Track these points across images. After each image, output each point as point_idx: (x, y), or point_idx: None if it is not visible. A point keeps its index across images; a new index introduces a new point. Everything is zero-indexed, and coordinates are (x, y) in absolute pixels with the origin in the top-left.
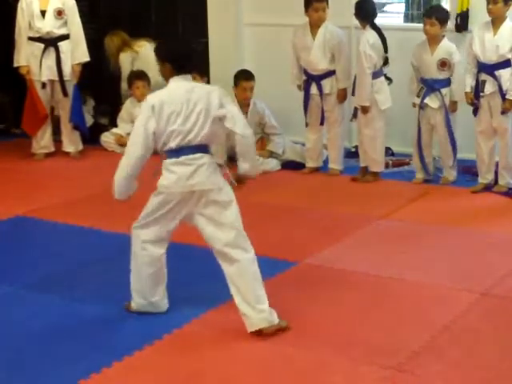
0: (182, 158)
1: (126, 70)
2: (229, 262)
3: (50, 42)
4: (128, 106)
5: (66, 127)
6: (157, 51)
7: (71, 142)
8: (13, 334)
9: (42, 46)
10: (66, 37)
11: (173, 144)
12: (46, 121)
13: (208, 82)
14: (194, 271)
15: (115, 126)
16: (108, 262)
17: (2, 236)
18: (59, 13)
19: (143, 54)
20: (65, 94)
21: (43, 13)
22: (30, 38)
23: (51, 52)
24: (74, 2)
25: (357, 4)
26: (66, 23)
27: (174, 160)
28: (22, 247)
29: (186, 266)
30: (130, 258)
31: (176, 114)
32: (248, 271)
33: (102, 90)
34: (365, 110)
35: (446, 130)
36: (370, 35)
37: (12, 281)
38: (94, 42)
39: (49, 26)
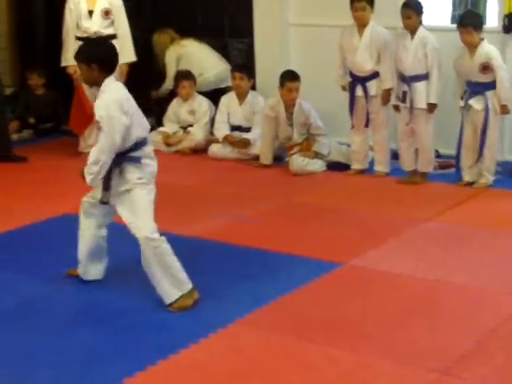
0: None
1: (170, 67)
2: None
3: None
4: (174, 105)
5: None
6: (83, 54)
7: None
8: (58, 332)
9: None
10: (112, 37)
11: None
12: (93, 120)
13: (254, 83)
14: (240, 271)
15: (161, 125)
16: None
17: (50, 234)
18: (106, 13)
19: (189, 52)
20: None
21: (91, 13)
22: (78, 38)
23: None
24: (121, 2)
25: (418, 2)
26: (112, 23)
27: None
28: (69, 245)
29: (231, 265)
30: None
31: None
32: None
33: (148, 90)
34: (434, 108)
35: (482, 134)
36: None
37: (59, 278)
38: (140, 42)
39: (96, 25)
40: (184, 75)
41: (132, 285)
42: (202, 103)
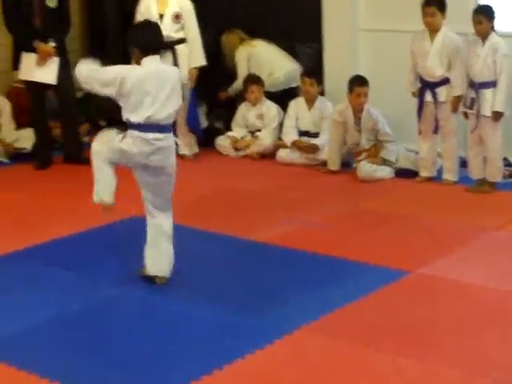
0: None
1: (241, 65)
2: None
3: (168, 46)
4: (242, 110)
5: (181, 130)
6: (126, 39)
7: (187, 145)
8: (132, 333)
9: None
10: (182, 40)
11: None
12: None
13: (322, 89)
14: (306, 277)
15: (229, 129)
16: (220, 264)
17: (119, 236)
18: (177, 17)
19: (259, 52)
20: (182, 97)
21: (161, 16)
22: None
23: (168, 55)
24: (192, 6)
25: (489, 8)
26: (183, 27)
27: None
28: (139, 248)
29: (297, 271)
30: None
31: (147, 92)
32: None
33: (217, 94)
34: (500, 116)
35: None
36: None
37: (128, 280)
38: (211, 47)
39: (166, 29)
40: (253, 79)
41: (200, 289)
42: (271, 108)
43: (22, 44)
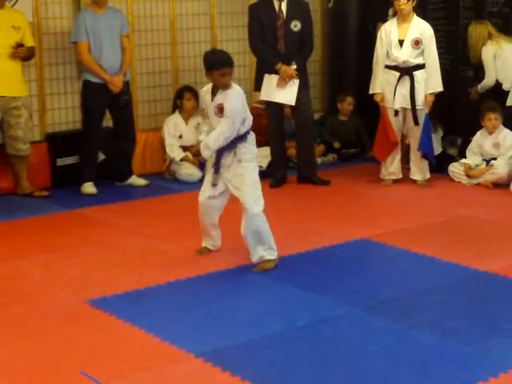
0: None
1: (489, 63)
2: None
3: (406, 71)
4: (478, 137)
5: (414, 155)
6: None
7: (419, 171)
8: (346, 353)
9: (397, 74)
10: (421, 66)
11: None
12: (396, 148)
13: None
14: None
15: (463, 157)
16: (445, 292)
17: (347, 257)
18: (416, 42)
19: (506, 56)
20: (416, 122)
21: (401, 42)
22: (387, 66)
23: (406, 81)
24: (432, 32)
25: None
26: (422, 53)
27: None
28: (364, 269)
29: None
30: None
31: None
32: None
33: (452, 121)
34: None
35: None
36: None
37: (353, 300)
38: (449, 73)
39: (406, 55)
40: (491, 108)
41: (423, 315)
42: (507, 136)
43: (266, 66)
